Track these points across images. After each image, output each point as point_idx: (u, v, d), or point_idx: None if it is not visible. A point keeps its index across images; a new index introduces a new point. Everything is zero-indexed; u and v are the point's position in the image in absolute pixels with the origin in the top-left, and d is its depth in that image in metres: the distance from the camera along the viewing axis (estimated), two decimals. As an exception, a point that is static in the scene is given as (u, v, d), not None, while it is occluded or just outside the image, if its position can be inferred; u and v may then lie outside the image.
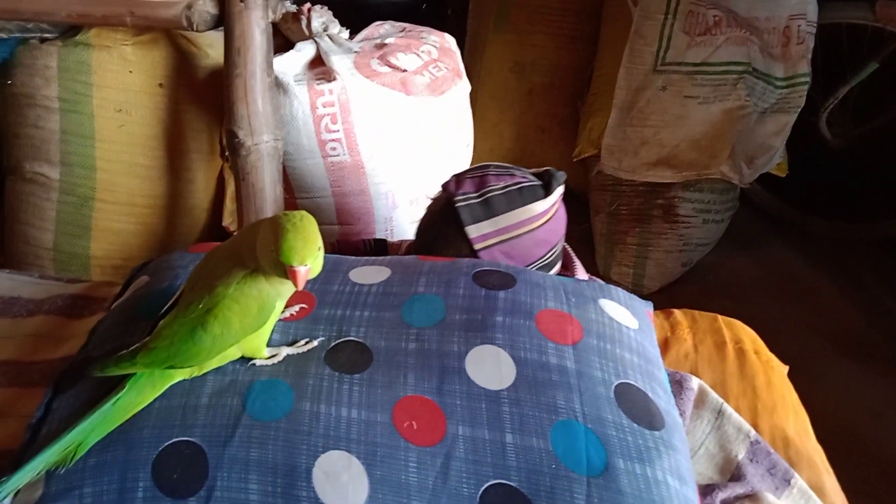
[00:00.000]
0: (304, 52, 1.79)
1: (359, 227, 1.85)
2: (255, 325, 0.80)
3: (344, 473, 0.74)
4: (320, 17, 1.80)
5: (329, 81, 1.72)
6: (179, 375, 0.81)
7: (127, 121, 1.86)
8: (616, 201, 2.35)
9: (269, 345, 0.85)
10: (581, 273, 1.27)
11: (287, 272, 0.74)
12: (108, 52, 1.81)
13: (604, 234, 2.42)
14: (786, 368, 1.28)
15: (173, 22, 1.67)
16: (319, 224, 0.78)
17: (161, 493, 0.73)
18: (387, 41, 1.86)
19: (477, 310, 0.90)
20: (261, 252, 0.77)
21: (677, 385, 1.09)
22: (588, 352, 0.86)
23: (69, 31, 1.81)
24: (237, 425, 0.77)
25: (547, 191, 1.12)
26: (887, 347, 2.15)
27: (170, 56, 1.87)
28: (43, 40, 1.81)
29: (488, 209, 1.11)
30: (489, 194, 1.11)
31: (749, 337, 1.30)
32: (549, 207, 1.13)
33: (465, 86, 1.95)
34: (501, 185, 1.12)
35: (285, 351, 0.85)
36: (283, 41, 1.86)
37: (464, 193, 1.12)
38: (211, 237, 2.10)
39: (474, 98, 2.04)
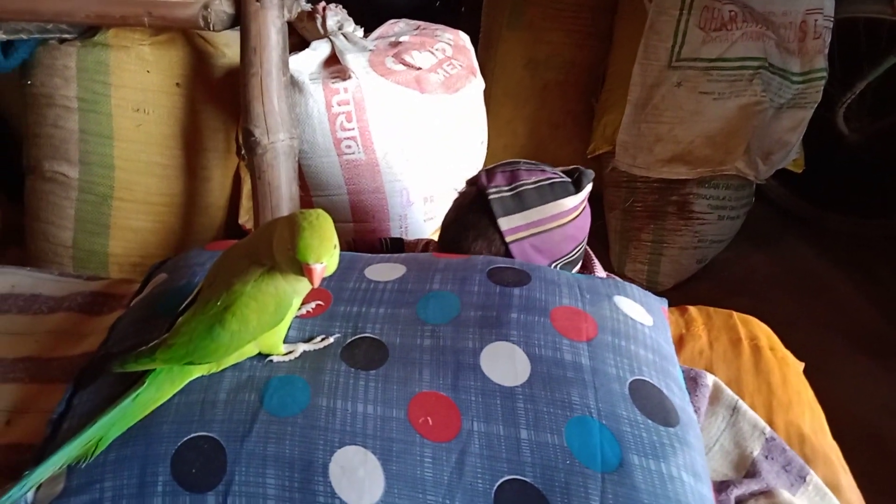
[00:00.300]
0: (319, 50, 1.80)
1: (373, 225, 1.85)
2: (272, 322, 0.81)
3: (360, 468, 0.74)
4: (335, 16, 1.81)
5: (344, 80, 1.72)
6: (198, 371, 0.82)
7: (144, 120, 1.87)
8: (630, 198, 2.34)
9: (285, 341, 0.86)
10: (599, 271, 1.28)
11: (303, 270, 0.75)
12: (125, 52, 1.82)
13: (618, 230, 2.42)
14: (801, 365, 1.28)
15: (190, 22, 1.68)
16: (335, 222, 0.79)
17: (180, 487, 0.74)
18: (401, 39, 1.87)
19: (492, 306, 0.91)
20: (277, 250, 0.78)
21: (692, 382, 1.09)
22: (603, 348, 0.86)
23: (88, 31, 1.83)
24: (255, 421, 0.78)
25: (577, 187, 1.13)
26: (904, 344, 2.13)
27: (187, 56, 1.89)
28: (62, 41, 1.82)
29: (520, 202, 1.11)
30: (521, 188, 1.12)
31: (764, 333, 1.30)
32: (579, 204, 1.14)
33: (479, 83, 1.95)
34: (533, 179, 1.13)
35: (302, 347, 0.86)
36: (298, 40, 1.86)
37: (496, 186, 1.13)
38: (227, 235, 2.12)
39: (488, 95, 2.04)
